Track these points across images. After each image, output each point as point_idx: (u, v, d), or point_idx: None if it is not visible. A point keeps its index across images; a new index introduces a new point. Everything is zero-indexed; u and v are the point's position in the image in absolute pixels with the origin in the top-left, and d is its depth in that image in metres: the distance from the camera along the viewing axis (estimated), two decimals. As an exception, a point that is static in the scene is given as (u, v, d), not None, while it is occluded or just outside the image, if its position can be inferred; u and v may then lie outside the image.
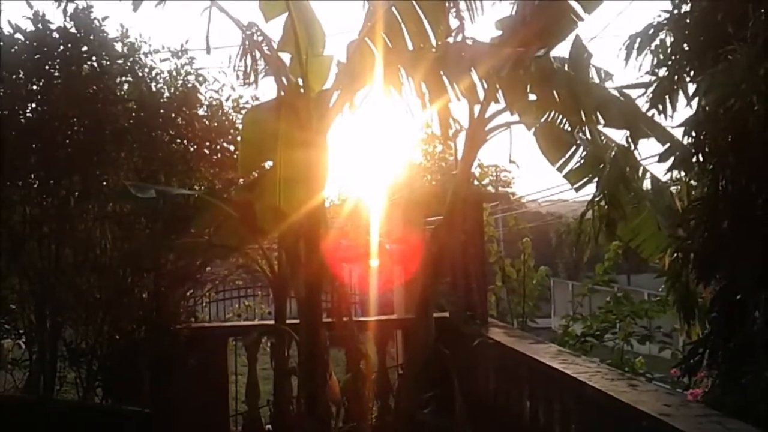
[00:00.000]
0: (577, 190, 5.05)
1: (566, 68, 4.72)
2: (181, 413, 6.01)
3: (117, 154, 6.14)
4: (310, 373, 4.94)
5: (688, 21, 4.74)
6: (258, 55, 5.01)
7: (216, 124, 6.77)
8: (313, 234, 4.85)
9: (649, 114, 4.76)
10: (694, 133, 4.23)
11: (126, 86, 6.72)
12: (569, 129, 5.03)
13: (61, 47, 5.87)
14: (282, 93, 5.00)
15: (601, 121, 4.08)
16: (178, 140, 6.50)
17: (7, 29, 5.83)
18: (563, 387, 4.16)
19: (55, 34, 5.88)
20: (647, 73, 5.04)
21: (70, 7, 5.94)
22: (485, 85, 3.89)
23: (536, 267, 9.21)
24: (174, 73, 7.15)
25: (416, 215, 7.15)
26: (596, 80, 5.02)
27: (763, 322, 3.99)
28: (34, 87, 5.91)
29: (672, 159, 4.34)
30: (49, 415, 5.64)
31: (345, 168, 5.71)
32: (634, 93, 4.76)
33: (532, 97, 4.15)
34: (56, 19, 5.92)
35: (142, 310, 6.23)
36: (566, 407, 4.15)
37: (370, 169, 5.86)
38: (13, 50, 5.80)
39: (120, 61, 6.45)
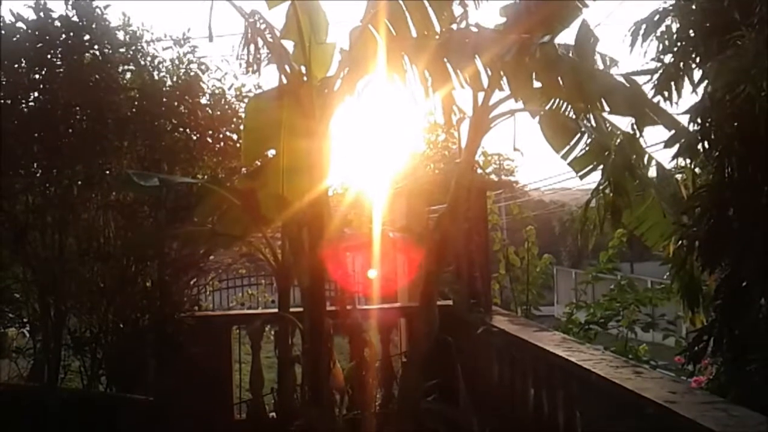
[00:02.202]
0: (581, 177, 5.02)
1: (571, 55, 4.69)
2: (185, 401, 6.03)
3: (120, 143, 6.14)
4: (314, 361, 4.94)
5: (694, 7, 4.71)
6: (261, 43, 4.97)
7: (219, 112, 6.76)
8: (316, 223, 4.83)
9: (655, 101, 4.73)
10: (699, 120, 4.20)
11: (128, 75, 6.72)
12: (574, 116, 5.00)
13: (63, 36, 5.87)
14: (285, 81, 4.97)
15: (606, 108, 4.06)
16: (181, 129, 6.49)
17: (9, 18, 5.84)
18: (568, 374, 4.15)
19: (57, 23, 5.87)
20: (653, 59, 5.01)
21: (72, -4, 5.93)
22: (489, 73, 3.87)
23: (540, 255, 9.19)
24: (176, 62, 7.14)
25: (420, 204, 7.13)
26: (601, 67, 4.99)
27: (768, 309, 3.98)
28: (37, 76, 5.90)
29: (677, 146, 4.31)
30: (53, 403, 5.66)
31: (348, 156, 5.69)
32: (639, 80, 4.73)
33: (537, 84, 4.11)
34: (58, 7, 5.92)
35: (146, 298, 6.24)
36: (571, 395, 4.14)
37: (374, 158, 5.84)
38: (15, 39, 5.79)
39: (122, 50, 6.45)
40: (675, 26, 4.87)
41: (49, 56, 5.86)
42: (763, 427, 2.80)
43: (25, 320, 6.22)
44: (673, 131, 4.03)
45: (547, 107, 5.11)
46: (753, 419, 2.89)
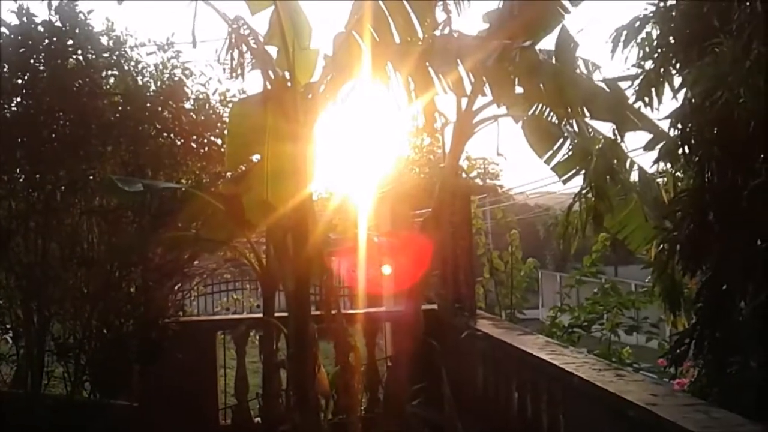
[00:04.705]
0: (564, 182, 5.07)
1: (553, 60, 4.73)
2: (169, 407, 6.01)
3: (103, 148, 6.11)
4: (299, 366, 4.95)
5: (674, 14, 4.75)
6: (244, 48, 4.98)
7: (203, 117, 6.74)
8: (301, 227, 4.84)
9: (636, 106, 4.78)
10: (680, 126, 4.25)
11: (112, 80, 6.69)
12: (556, 121, 5.04)
13: (47, 41, 5.83)
14: (269, 86, 4.98)
15: (588, 113, 4.11)
16: (165, 134, 6.47)
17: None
18: (551, 378, 4.18)
19: (40, 28, 5.83)
20: (633, 65, 5.06)
21: (55, 1, 5.90)
22: (472, 78, 3.90)
23: (524, 259, 9.23)
24: (160, 67, 7.12)
25: (404, 208, 7.17)
26: (583, 72, 5.04)
27: (748, 312, 4.02)
28: (20, 81, 5.86)
29: (658, 149, 4.36)
30: (36, 409, 5.62)
31: (333, 161, 5.71)
32: (620, 85, 4.78)
33: (519, 89, 4.15)
34: (41, 12, 5.89)
35: (129, 304, 6.21)
36: (554, 398, 4.17)
37: (358, 163, 5.86)
38: (-3, 44, 5.76)
39: (106, 55, 6.41)
40: (655, 33, 4.92)
41: (32, 61, 5.82)
42: (743, 429, 2.84)
43: (7, 326, 6.17)
44: (652, 136, 4.08)
45: (530, 112, 5.16)
46: (733, 421, 2.93)
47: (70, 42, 5.93)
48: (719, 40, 3.98)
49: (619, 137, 4.27)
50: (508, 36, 4.19)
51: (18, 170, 6.09)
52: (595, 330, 7.59)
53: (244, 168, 5.81)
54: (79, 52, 6.00)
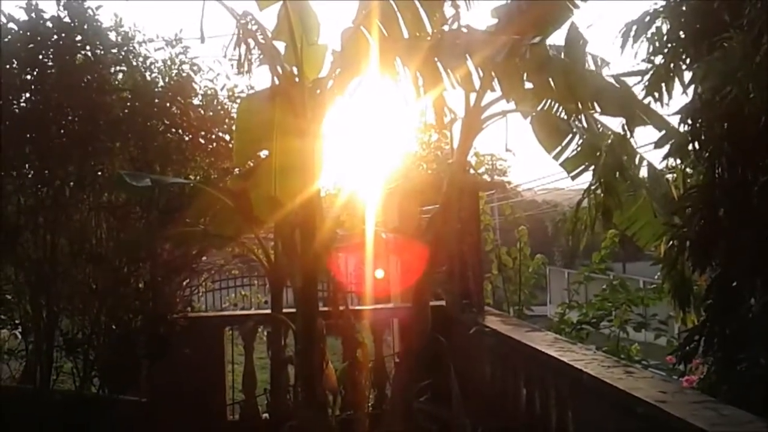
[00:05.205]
0: (573, 178, 5.05)
1: (562, 56, 4.71)
2: (177, 402, 6.02)
3: (112, 144, 6.12)
4: (307, 362, 4.95)
5: (684, 8, 4.73)
6: (252, 43, 4.98)
7: (211, 113, 6.75)
8: (308, 223, 4.84)
9: (645, 102, 4.76)
10: (690, 121, 4.23)
11: (120, 75, 6.70)
12: (566, 117, 5.02)
13: (55, 37, 5.84)
14: (277, 82, 4.98)
15: (597, 109, 4.09)
16: (173, 130, 6.48)
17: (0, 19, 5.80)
18: (559, 374, 4.17)
19: (49, 24, 5.84)
20: (643, 60, 5.03)
21: (64, -3, 5.91)
22: (481, 74, 3.88)
23: (532, 255, 9.20)
24: (168, 63, 7.13)
25: (412, 204, 7.14)
26: (592, 68, 5.02)
27: (758, 309, 4.00)
28: (28, 77, 5.87)
29: (668, 146, 4.34)
30: (45, 405, 5.64)
31: (341, 157, 5.70)
32: (630, 81, 4.76)
33: (528, 85, 4.14)
34: (50, 8, 5.90)
35: (138, 299, 6.22)
36: (562, 394, 4.16)
37: (366, 159, 5.86)
38: (6, 40, 5.77)
39: (114, 51, 6.42)
40: (665, 27, 4.90)
41: (40, 57, 5.83)
42: (752, 426, 2.82)
43: (16, 322, 6.18)
44: (663, 132, 4.06)
45: (539, 108, 5.13)
46: (742, 418, 2.91)
47: (79, 38, 5.93)
48: (729, 35, 3.96)
49: (628, 133, 4.25)
50: (517, 31, 4.16)
51: (27, 166, 6.11)
52: (604, 327, 7.56)
53: (252, 164, 5.81)
54: (88, 48, 6.01)
